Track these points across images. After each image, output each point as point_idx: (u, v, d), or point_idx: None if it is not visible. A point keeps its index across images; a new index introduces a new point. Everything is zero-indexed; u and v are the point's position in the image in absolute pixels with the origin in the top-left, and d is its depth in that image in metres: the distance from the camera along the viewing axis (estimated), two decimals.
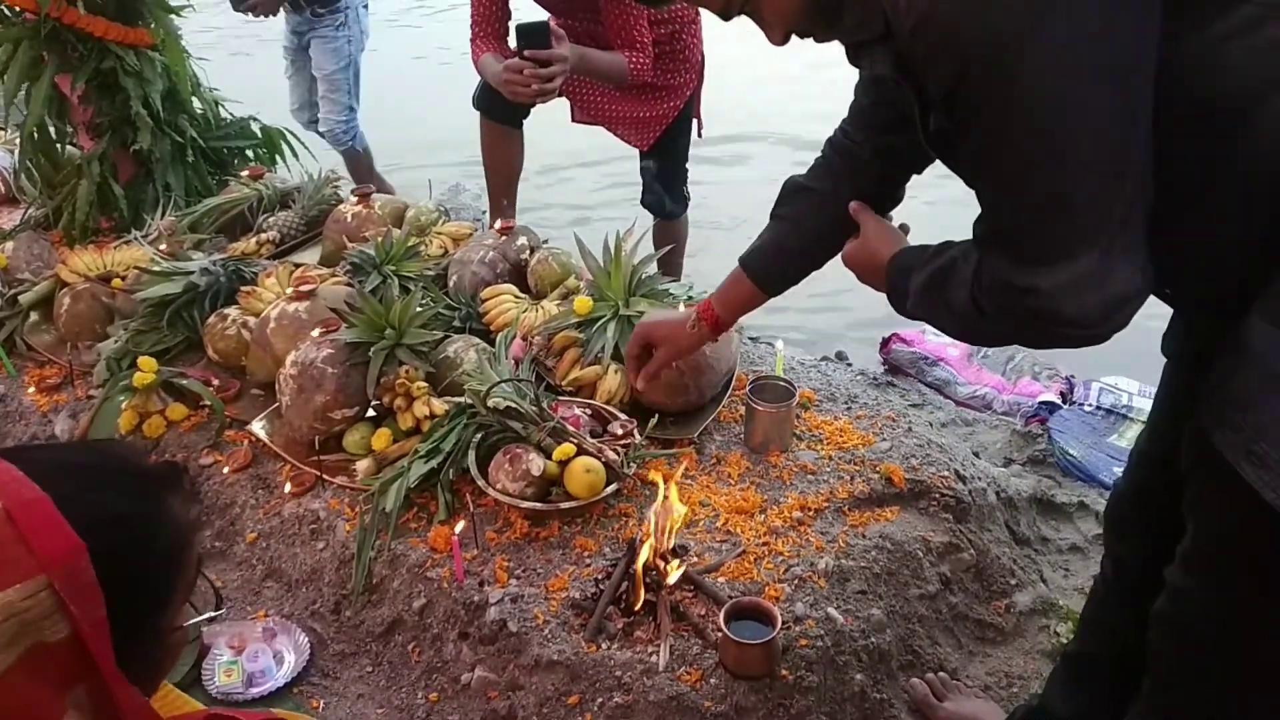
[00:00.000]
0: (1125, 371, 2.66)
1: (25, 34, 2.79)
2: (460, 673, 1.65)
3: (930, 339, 2.95)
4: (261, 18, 3.88)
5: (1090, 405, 2.62)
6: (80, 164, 2.93)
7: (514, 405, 1.85)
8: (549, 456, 1.79)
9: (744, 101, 5.54)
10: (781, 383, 1.99)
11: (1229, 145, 0.90)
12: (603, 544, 1.74)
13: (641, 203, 2.92)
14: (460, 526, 1.72)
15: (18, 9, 2.77)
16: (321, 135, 4.04)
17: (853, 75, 1.28)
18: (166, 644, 0.93)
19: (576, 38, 2.55)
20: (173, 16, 2.98)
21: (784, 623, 1.53)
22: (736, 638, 1.47)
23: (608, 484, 1.77)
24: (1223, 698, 1.10)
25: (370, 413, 2.04)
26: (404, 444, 1.94)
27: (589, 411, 1.96)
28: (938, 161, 1.15)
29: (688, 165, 2.89)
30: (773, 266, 1.45)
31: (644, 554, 1.57)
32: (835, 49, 1.12)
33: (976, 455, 2.23)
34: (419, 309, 2.08)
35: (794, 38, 1.08)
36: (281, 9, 3.85)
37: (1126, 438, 2.48)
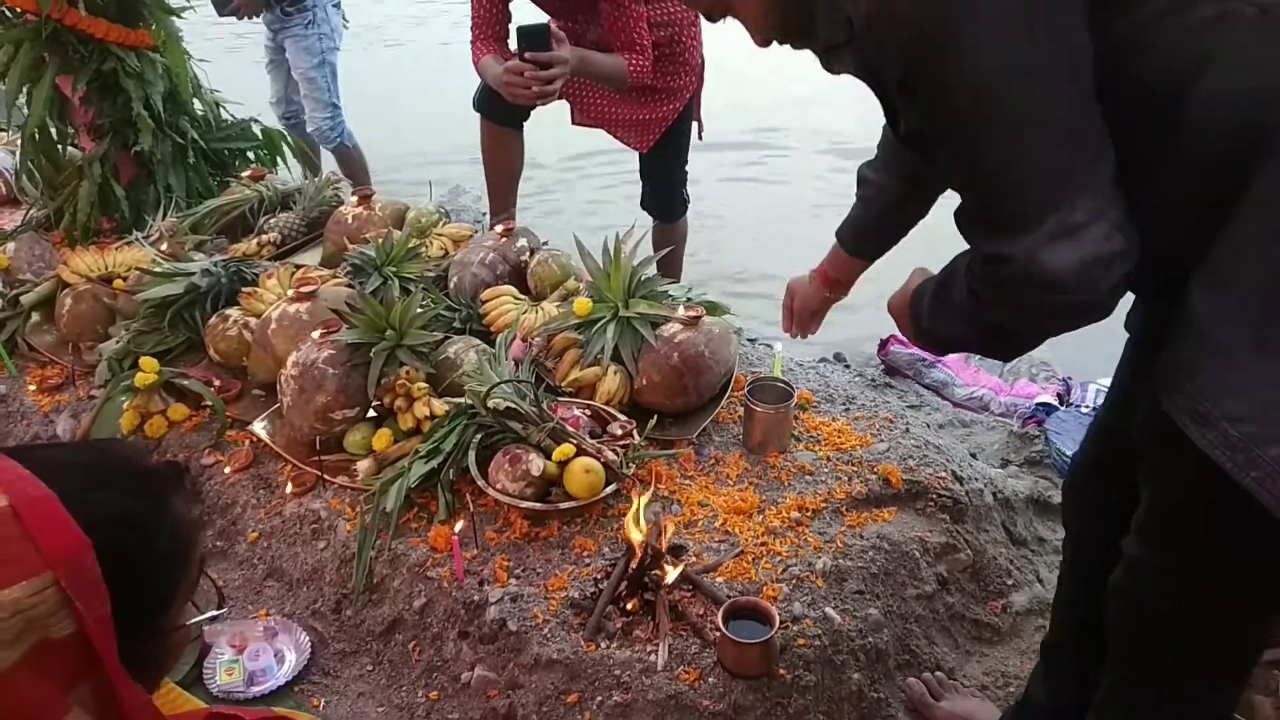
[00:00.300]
0: None
1: (26, 35, 2.80)
2: (460, 671, 1.66)
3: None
4: (247, 19, 3.96)
5: (1087, 407, 2.63)
6: (81, 165, 2.95)
7: (514, 406, 1.86)
8: (549, 457, 1.80)
9: (744, 104, 5.56)
10: (780, 384, 2.00)
11: (1170, 126, 0.93)
12: (602, 544, 1.75)
13: (641, 205, 2.93)
14: (460, 526, 1.73)
15: (19, 10, 2.78)
16: (308, 135, 4.10)
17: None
18: (169, 642, 0.94)
19: (576, 40, 2.56)
20: (174, 18, 3.00)
21: (782, 622, 1.54)
22: (735, 637, 1.48)
23: (607, 484, 1.78)
24: (1178, 665, 1.13)
25: (371, 413, 2.05)
26: (404, 444, 1.95)
27: (588, 412, 1.97)
28: None
29: (687, 167, 2.90)
30: (858, 238, 1.57)
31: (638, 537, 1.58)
32: None
33: (974, 456, 2.24)
34: (419, 310, 2.09)
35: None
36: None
37: None
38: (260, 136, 3.27)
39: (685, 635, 1.57)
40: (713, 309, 2.19)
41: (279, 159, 3.33)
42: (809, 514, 1.80)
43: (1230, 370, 0.92)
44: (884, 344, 3.02)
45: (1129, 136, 0.94)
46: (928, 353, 1.84)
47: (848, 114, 4.99)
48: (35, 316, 2.58)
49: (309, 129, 4.11)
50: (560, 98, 2.54)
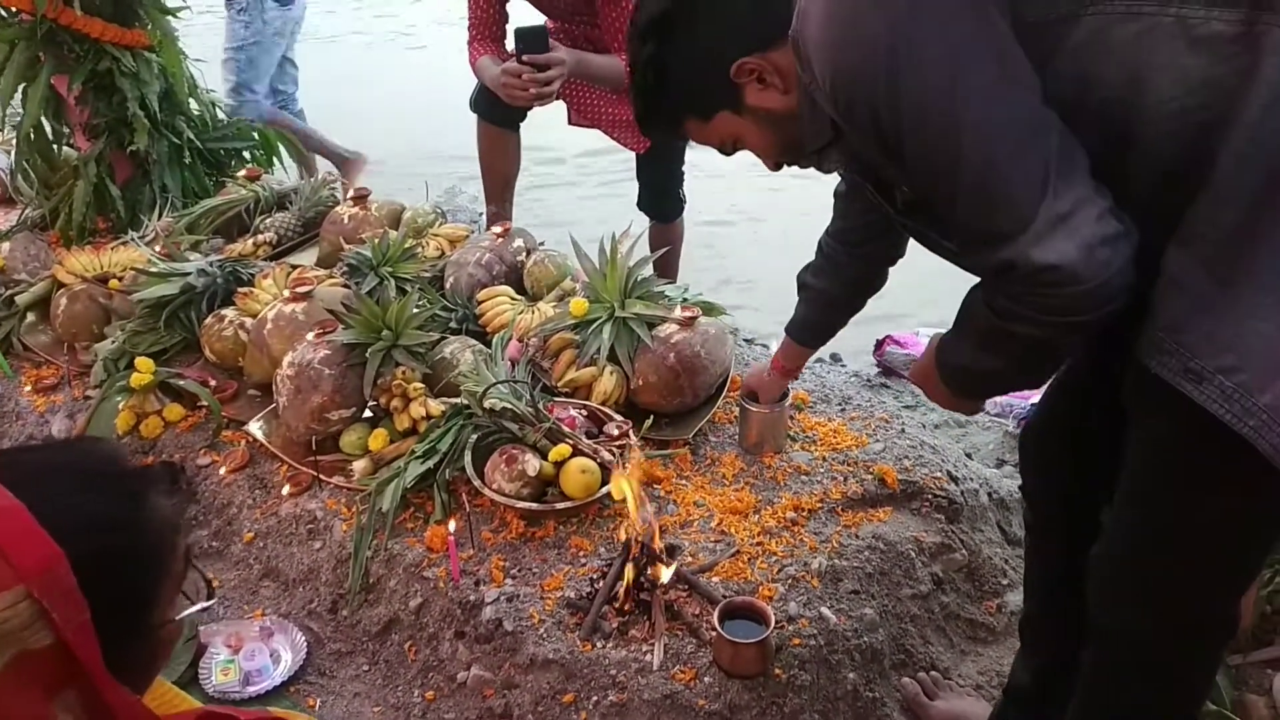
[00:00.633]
0: None
1: (22, 35, 2.79)
2: (456, 671, 1.66)
3: (924, 341, 2.96)
4: None
5: None
6: (77, 165, 2.94)
7: (510, 406, 1.86)
8: (545, 457, 1.81)
9: None
10: None
11: (1124, 143, 0.97)
12: (598, 544, 1.75)
13: (638, 205, 2.93)
14: (456, 526, 1.73)
15: (14, 10, 2.77)
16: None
17: None
18: (158, 639, 0.93)
19: (574, 41, 2.56)
20: (169, 18, 2.99)
21: (777, 622, 1.54)
22: (730, 637, 1.48)
23: (603, 484, 1.78)
24: (1161, 632, 1.15)
25: (367, 413, 2.05)
26: (400, 444, 1.95)
27: (585, 412, 1.98)
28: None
29: (683, 168, 2.90)
30: (804, 332, 1.77)
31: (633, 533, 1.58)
32: None
33: (969, 456, 2.25)
34: (415, 310, 2.09)
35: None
36: None
37: None
38: (256, 136, 3.27)
39: (681, 635, 1.57)
40: (709, 309, 2.20)
41: (275, 159, 3.32)
42: (805, 514, 1.80)
43: (1217, 325, 0.95)
44: (880, 344, 3.02)
45: (1093, 162, 0.97)
46: (965, 412, 1.91)
47: None
48: (30, 316, 2.58)
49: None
50: (557, 98, 2.55)
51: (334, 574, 1.86)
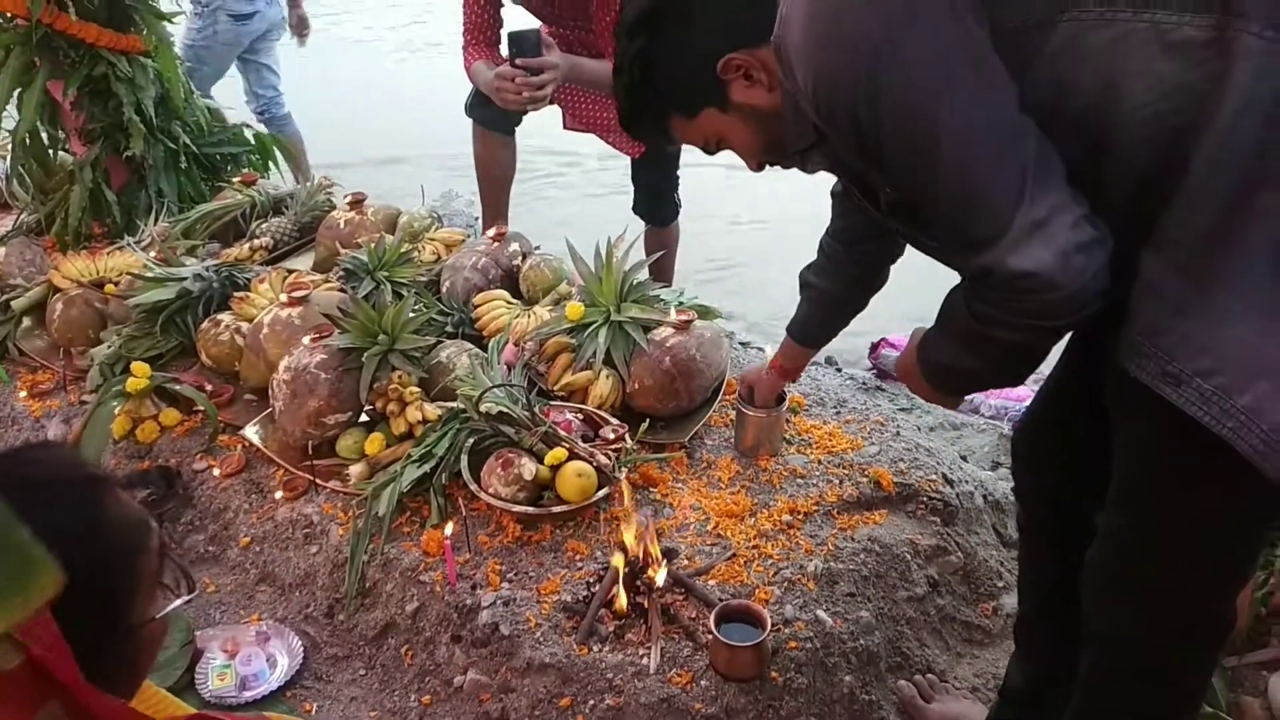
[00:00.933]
0: None
1: (17, 40, 2.80)
2: (453, 675, 1.66)
3: None
4: None
5: None
6: (73, 170, 2.94)
7: (506, 410, 1.86)
8: (541, 461, 1.81)
9: None
10: None
11: (1100, 149, 0.98)
12: (594, 547, 1.75)
13: (633, 209, 2.94)
14: (452, 530, 1.73)
15: (9, 15, 2.77)
16: (284, 127, 4.11)
17: None
18: (140, 640, 0.91)
19: (568, 45, 2.57)
20: (165, 23, 2.99)
21: (773, 625, 1.54)
22: (727, 640, 1.48)
23: (599, 488, 1.78)
24: (1155, 635, 1.16)
25: (363, 418, 2.05)
26: (397, 449, 1.95)
27: (581, 416, 1.98)
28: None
29: (679, 172, 2.91)
30: (805, 332, 1.76)
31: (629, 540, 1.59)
32: None
33: (964, 459, 2.25)
34: (412, 314, 2.09)
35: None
36: None
37: None
38: (252, 141, 3.27)
39: (677, 638, 1.58)
40: (704, 313, 2.20)
41: (271, 164, 3.32)
42: (800, 517, 1.81)
43: (1194, 328, 0.96)
44: (875, 347, 3.03)
45: (1070, 168, 0.98)
46: (948, 407, 1.94)
47: None
48: (26, 321, 2.57)
49: None
50: (552, 103, 2.55)
51: (330, 578, 1.86)
